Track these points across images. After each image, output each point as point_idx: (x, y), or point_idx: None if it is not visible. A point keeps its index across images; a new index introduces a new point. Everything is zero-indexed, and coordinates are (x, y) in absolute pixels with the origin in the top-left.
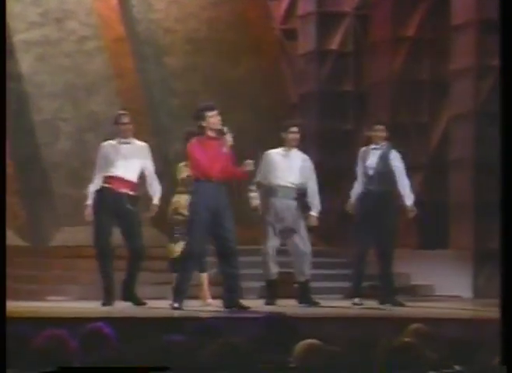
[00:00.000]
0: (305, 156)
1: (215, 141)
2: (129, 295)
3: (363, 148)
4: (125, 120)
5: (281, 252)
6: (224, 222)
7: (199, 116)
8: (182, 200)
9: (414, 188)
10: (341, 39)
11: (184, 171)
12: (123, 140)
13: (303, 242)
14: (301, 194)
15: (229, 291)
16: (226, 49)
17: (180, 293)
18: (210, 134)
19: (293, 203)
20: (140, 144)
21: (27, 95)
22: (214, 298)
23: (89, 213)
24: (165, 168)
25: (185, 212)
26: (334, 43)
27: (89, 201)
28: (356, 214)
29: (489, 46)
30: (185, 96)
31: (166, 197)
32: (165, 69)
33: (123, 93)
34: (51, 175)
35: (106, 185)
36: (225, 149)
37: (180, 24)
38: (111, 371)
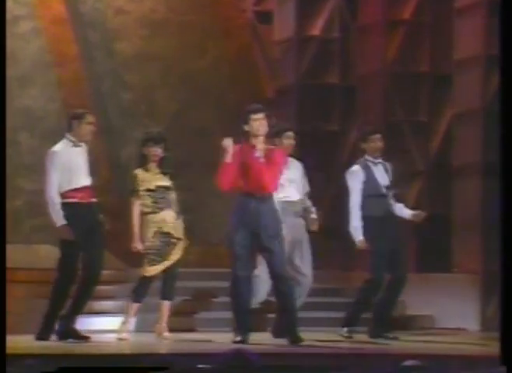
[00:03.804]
0: (299, 163)
1: (253, 149)
2: (69, 329)
3: (357, 166)
4: (91, 119)
5: None
6: (265, 243)
7: (243, 118)
8: (168, 217)
9: (410, 199)
10: (325, 23)
11: (153, 180)
12: (78, 142)
13: (305, 263)
14: (304, 210)
15: (288, 325)
16: (189, 34)
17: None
18: (253, 141)
19: (299, 221)
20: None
21: None
22: (172, 330)
23: (70, 232)
24: (116, 174)
25: (172, 231)
26: (317, 28)
27: (62, 220)
28: (372, 239)
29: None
30: (139, 90)
31: (115, 210)
32: (115, 57)
33: (64, 85)
34: None
35: (75, 200)
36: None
37: (133, 3)
38: (111, 371)
